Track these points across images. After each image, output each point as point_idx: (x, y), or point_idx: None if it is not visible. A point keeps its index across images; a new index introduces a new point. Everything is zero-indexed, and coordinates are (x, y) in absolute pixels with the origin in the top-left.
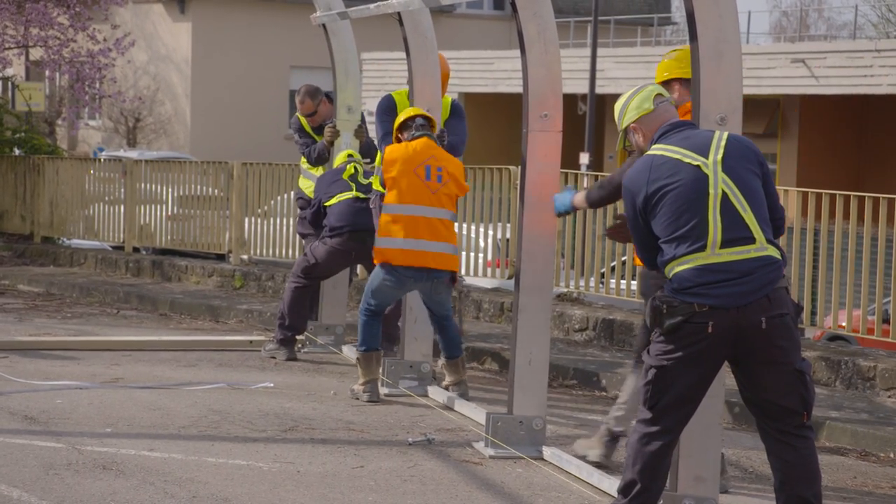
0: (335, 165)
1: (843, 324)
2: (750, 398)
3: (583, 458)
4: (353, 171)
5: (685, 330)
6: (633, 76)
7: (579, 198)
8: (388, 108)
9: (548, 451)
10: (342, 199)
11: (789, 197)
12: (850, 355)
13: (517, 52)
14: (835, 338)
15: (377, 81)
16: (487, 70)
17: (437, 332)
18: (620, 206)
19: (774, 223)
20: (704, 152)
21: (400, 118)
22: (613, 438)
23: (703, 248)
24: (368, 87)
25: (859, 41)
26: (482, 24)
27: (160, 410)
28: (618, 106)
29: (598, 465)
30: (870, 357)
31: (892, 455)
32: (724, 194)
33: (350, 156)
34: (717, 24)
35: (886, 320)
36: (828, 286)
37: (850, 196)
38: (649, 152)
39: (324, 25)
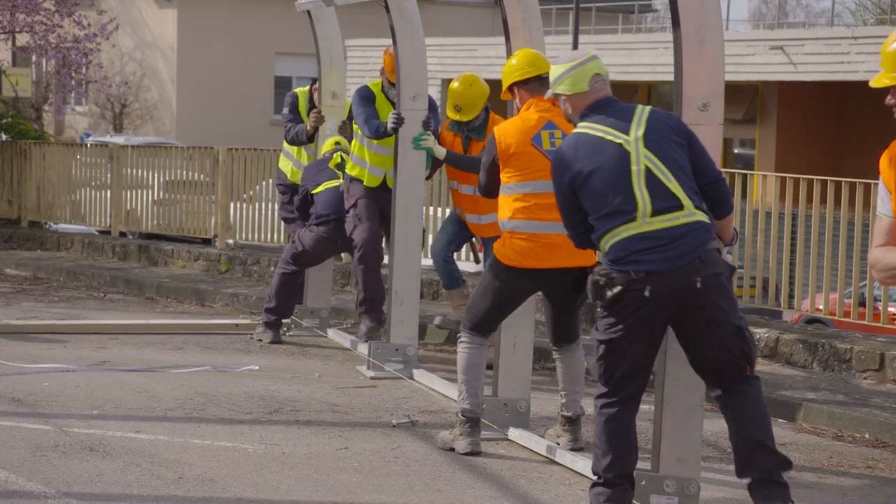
0: (322, 153)
1: (821, 307)
2: (695, 360)
3: (557, 444)
4: (339, 160)
5: (626, 299)
6: (614, 63)
7: None
8: (367, 96)
9: (515, 433)
10: (329, 186)
11: (768, 182)
12: (827, 338)
13: (501, 39)
14: (812, 321)
15: (362, 68)
16: (471, 56)
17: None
18: None
19: (712, 186)
20: (626, 129)
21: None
22: (571, 421)
23: (633, 220)
24: (353, 73)
25: (837, 28)
26: (466, 11)
27: (146, 393)
28: (556, 71)
29: (573, 450)
30: (846, 339)
31: (867, 435)
32: (648, 168)
33: (337, 143)
34: (700, 10)
35: (863, 303)
36: (805, 270)
37: (827, 181)
38: (576, 130)
39: (308, 12)
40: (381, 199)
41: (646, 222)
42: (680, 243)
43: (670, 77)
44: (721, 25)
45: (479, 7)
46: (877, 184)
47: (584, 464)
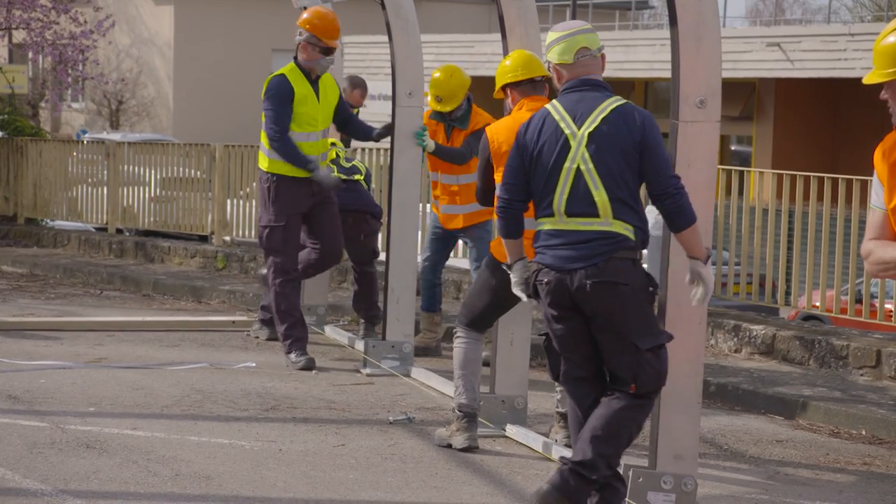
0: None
1: (817, 304)
2: (604, 362)
3: (554, 441)
4: (334, 155)
5: (539, 288)
6: (611, 59)
7: None
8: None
9: (512, 429)
10: None
11: (764, 179)
12: (823, 335)
13: (498, 36)
14: (809, 318)
15: (358, 65)
16: (468, 53)
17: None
18: None
19: (660, 198)
20: (581, 122)
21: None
22: (566, 417)
23: (552, 215)
24: (349, 69)
25: (834, 25)
26: (462, 8)
27: (143, 390)
28: (549, 37)
29: (569, 446)
30: (843, 336)
31: (863, 432)
32: (579, 169)
33: (332, 144)
34: (697, 7)
35: (859, 300)
36: (802, 267)
37: (823, 178)
38: (547, 106)
39: (305, 8)
40: (301, 194)
41: (561, 220)
42: (583, 246)
43: (667, 74)
44: (718, 22)
45: (476, 4)
46: (873, 181)
47: None
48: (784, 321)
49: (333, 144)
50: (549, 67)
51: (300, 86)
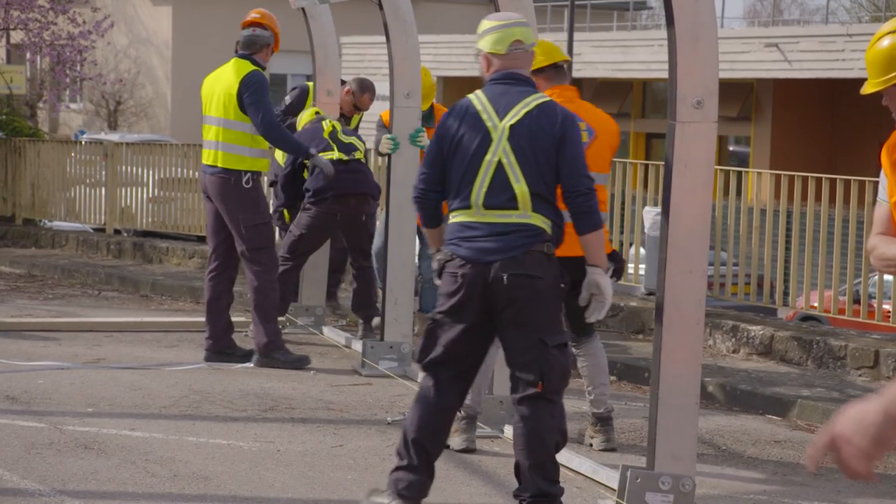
0: (302, 124)
1: (815, 304)
2: (506, 361)
3: (590, 446)
4: (332, 128)
5: (445, 278)
6: (609, 60)
7: None
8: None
9: (510, 430)
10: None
11: (762, 179)
12: (821, 335)
13: None
14: (807, 318)
15: (357, 65)
16: (466, 54)
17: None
18: None
19: (570, 197)
20: (503, 115)
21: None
22: (602, 420)
23: (468, 207)
24: (348, 70)
25: (832, 26)
26: (461, 8)
27: (141, 390)
28: (483, 25)
29: (606, 450)
30: (841, 337)
31: None
32: (500, 162)
33: (317, 113)
34: (694, 8)
35: (857, 300)
36: (800, 267)
37: (821, 178)
38: (469, 96)
39: (303, 9)
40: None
41: (478, 212)
42: (500, 239)
43: (665, 74)
44: (715, 23)
45: (474, 4)
46: (872, 181)
47: (578, 462)
48: (782, 321)
49: (318, 114)
50: (478, 55)
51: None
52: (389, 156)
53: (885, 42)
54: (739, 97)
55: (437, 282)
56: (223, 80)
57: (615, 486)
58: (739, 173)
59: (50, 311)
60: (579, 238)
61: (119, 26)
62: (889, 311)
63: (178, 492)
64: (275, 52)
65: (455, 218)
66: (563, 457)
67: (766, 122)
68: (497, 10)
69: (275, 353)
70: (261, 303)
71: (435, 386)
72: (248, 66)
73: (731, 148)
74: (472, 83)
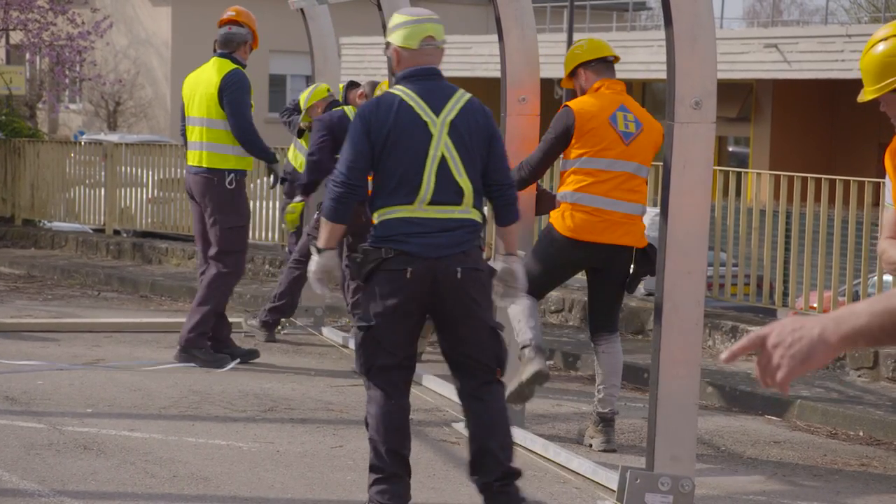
0: (311, 102)
1: (815, 305)
2: (450, 353)
3: (590, 446)
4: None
5: (384, 277)
6: None
7: None
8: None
9: (518, 434)
10: None
11: (762, 180)
12: None
13: (495, 37)
14: None
15: (356, 66)
16: (465, 54)
17: None
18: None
19: (499, 190)
20: (438, 111)
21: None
22: (606, 421)
23: (411, 203)
24: (347, 71)
25: (831, 26)
26: (460, 9)
27: (141, 391)
28: (394, 20)
29: (605, 451)
30: None
31: (861, 433)
32: (443, 157)
33: (329, 91)
34: (692, 9)
35: (857, 301)
36: (799, 268)
37: (821, 179)
38: (394, 91)
39: (302, 10)
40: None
41: (421, 208)
42: (446, 235)
43: (665, 75)
44: (713, 23)
45: (474, 5)
46: (871, 181)
47: (578, 462)
48: None
49: (329, 91)
50: (387, 48)
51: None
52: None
53: (879, 48)
54: (739, 98)
55: (315, 282)
56: (204, 80)
57: (615, 487)
58: (739, 174)
59: (49, 311)
60: (503, 228)
61: (118, 27)
62: None
63: (177, 492)
64: (254, 49)
65: (392, 214)
66: (562, 458)
67: (765, 122)
68: (496, 10)
69: (196, 351)
70: (205, 301)
71: (388, 390)
72: (228, 65)
73: (730, 148)
74: (471, 84)
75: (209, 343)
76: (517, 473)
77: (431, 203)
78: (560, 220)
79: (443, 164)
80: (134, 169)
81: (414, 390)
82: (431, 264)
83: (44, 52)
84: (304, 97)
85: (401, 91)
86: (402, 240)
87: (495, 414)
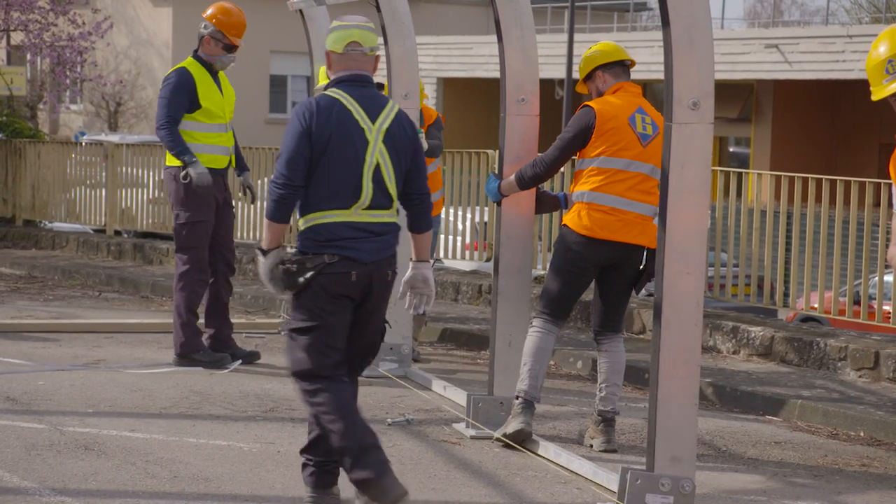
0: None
1: (816, 305)
2: (352, 344)
3: (590, 447)
4: None
5: (326, 280)
6: None
7: (507, 182)
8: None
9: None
10: None
11: (763, 180)
12: (821, 336)
13: (495, 38)
14: (807, 319)
15: None
16: (466, 55)
17: None
18: (546, 184)
19: (418, 199)
20: (374, 118)
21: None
22: (606, 421)
23: (348, 207)
24: None
25: (832, 27)
26: (460, 10)
27: (142, 392)
28: (332, 24)
29: (606, 451)
30: (841, 338)
31: (861, 434)
32: (378, 163)
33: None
34: (689, 10)
35: (857, 302)
36: (800, 268)
37: (822, 179)
38: (331, 94)
39: (300, 11)
40: (216, 186)
41: (357, 213)
42: (381, 239)
43: None
44: (710, 24)
45: (474, 5)
46: (872, 182)
47: (579, 463)
48: (782, 322)
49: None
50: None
51: (203, 79)
52: None
53: (876, 53)
54: (740, 98)
55: (267, 281)
56: None
57: (615, 487)
58: (739, 174)
59: (50, 312)
60: (417, 235)
61: (119, 27)
62: (889, 313)
63: (178, 493)
64: (235, 45)
65: (329, 218)
66: (563, 458)
67: (766, 123)
68: (495, 11)
69: (194, 355)
70: (177, 303)
71: (336, 386)
72: (182, 63)
73: (731, 149)
74: (471, 84)
75: (207, 343)
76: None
77: (368, 208)
78: (576, 219)
79: (377, 169)
80: (135, 169)
81: (414, 390)
82: (370, 268)
83: (45, 53)
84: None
85: (339, 95)
86: (347, 245)
87: (355, 398)
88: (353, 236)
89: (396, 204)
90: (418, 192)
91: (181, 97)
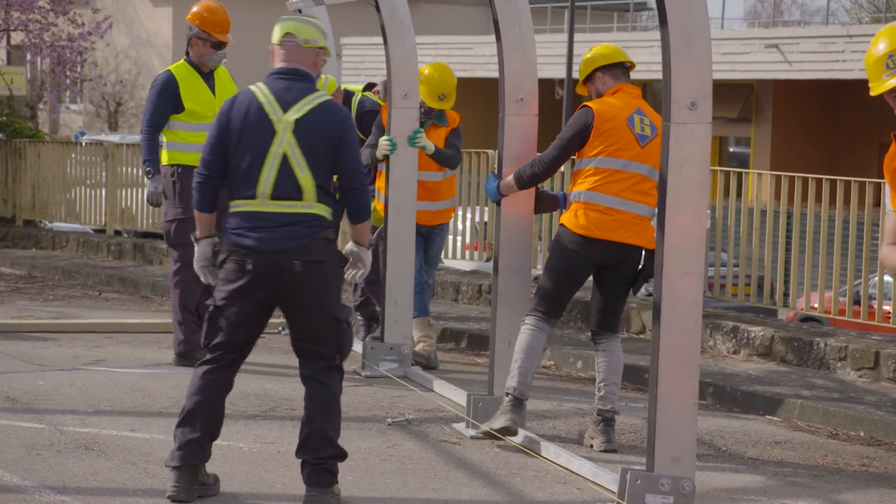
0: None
1: (816, 305)
2: (294, 341)
3: (590, 447)
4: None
5: (230, 267)
6: None
7: (505, 182)
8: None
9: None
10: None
11: (763, 180)
12: (821, 336)
13: (495, 38)
14: (807, 319)
15: (357, 66)
16: (466, 55)
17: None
18: (545, 183)
19: (347, 193)
20: (287, 108)
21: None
22: (606, 420)
23: (254, 197)
24: (348, 71)
25: (832, 27)
26: (461, 10)
27: (142, 391)
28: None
29: (606, 451)
30: (841, 338)
31: (861, 434)
32: (285, 154)
33: (345, 89)
34: (687, 10)
35: (857, 301)
36: (800, 268)
37: (822, 179)
38: (252, 87)
39: (300, 11)
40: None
41: (264, 203)
42: (287, 229)
43: None
44: (708, 25)
45: (474, 5)
46: (872, 182)
47: (579, 463)
48: (782, 322)
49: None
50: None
51: (190, 81)
52: (388, 157)
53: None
54: (740, 98)
55: (199, 270)
56: None
57: (615, 487)
58: (740, 174)
59: (50, 312)
60: (352, 226)
61: (119, 27)
62: (889, 313)
63: None
64: (223, 42)
65: (238, 208)
66: (563, 459)
67: (766, 123)
68: (493, 11)
69: (196, 353)
70: (175, 301)
71: (216, 366)
72: (170, 66)
73: (731, 149)
74: (471, 84)
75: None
76: (343, 455)
77: (273, 198)
78: (573, 218)
79: (284, 160)
80: (135, 169)
81: (415, 390)
82: (272, 258)
83: (45, 53)
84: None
85: (257, 87)
86: (243, 234)
87: (332, 398)
88: (254, 226)
89: (312, 194)
90: (350, 186)
91: (163, 101)
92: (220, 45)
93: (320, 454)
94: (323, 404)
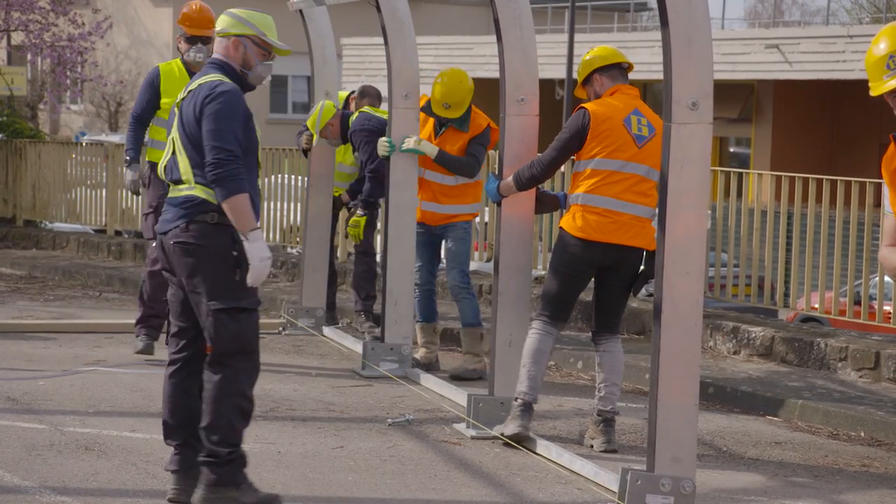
0: (314, 119)
1: (816, 305)
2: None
3: (590, 447)
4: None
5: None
6: None
7: (505, 183)
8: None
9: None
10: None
11: (763, 181)
12: (822, 336)
13: (495, 38)
14: (807, 319)
15: (357, 66)
16: (467, 55)
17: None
18: (546, 184)
19: (209, 164)
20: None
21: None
22: (606, 421)
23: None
24: (349, 71)
25: (832, 27)
26: (461, 10)
27: (142, 392)
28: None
29: (607, 452)
30: (841, 338)
31: (862, 434)
32: (174, 139)
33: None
34: (687, 10)
35: (858, 302)
36: (800, 269)
37: (822, 180)
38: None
39: (300, 11)
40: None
41: (173, 189)
42: (172, 211)
43: None
44: (709, 25)
45: (475, 5)
46: (872, 182)
47: (580, 464)
48: (783, 323)
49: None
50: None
51: (172, 78)
52: (388, 158)
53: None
54: (740, 98)
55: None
56: None
57: (616, 488)
58: (740, 175)
59: (50, 312)
60: (222, 204)
61: (120, 27)
62: (889, 313)
63: None
64: (209, 39)
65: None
66: (564, 459)
67: (766, 123)
68: (494, 11)
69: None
70: (144, 286)
71: (176, 367)
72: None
73: (731, 149)
74: (473, 84)
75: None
76: (224, 460)
77: (170, 181)
78: (571, 221)
79: (174, 145)
80: None
81: (415, 390)
82: (161, 239)
83: (45, 53)
84: (315, 119)
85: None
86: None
87: (209, 395)
88: (165, 209)
89: (190, 176)
90: (207, 161)
91: (146, 95)
92: (192, 40)
93: (203, 455)
94: (207, 402)
